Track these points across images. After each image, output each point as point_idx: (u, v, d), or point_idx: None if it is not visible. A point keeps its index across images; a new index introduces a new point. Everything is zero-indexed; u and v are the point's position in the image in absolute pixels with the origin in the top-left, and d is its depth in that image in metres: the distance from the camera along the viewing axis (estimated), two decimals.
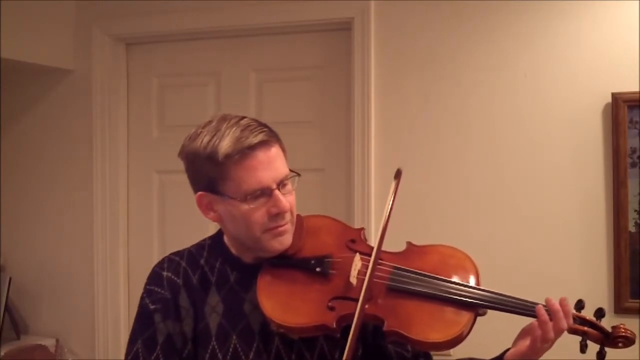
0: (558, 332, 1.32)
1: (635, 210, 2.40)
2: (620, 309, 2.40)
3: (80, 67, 3.08)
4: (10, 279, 2.99)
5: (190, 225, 2.91)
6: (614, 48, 2.42)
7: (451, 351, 2.13)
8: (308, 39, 2.87)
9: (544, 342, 1.31)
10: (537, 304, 1.34)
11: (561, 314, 1.32)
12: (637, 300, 2.39)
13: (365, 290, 1.29)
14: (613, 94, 2.40)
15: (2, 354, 2.83)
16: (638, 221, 2.40)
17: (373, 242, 1.48)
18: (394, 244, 1.47)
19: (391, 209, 1.39)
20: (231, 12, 2.87)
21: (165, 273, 1.44)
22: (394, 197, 1.40)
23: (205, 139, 1.35)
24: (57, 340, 3.08)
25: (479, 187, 2.57)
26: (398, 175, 1.44)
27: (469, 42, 2.58)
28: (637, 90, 2.38)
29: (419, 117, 2.64)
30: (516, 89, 2.54)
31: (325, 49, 2.86)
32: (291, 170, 1.42)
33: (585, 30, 2.46)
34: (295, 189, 1.44)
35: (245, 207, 1.35)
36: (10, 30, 2.77)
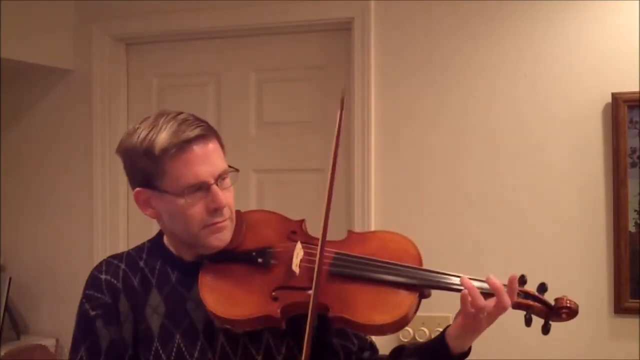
0: (500, 309, 1.30)
1: (635, 210, 2.40)
2: (620, 309, 2.40)
3: (80, 67, 3.08)
4: (10, 279, 2.99)
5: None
6: (614, 48, 2.42)
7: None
8: (308, 39, 2.87)
9: (470, 317, 1.29)
10: (479, 280, 1.33)
11: (502, 291, 1.30)
12: (637, 300, 2.39)
13: (316, 277, 1.28)
14: (613, 94, 2.40)
15: (2, 354, 2.83)
16: (638, 221, 2.40)
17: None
18: None
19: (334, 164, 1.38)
20: (231, 12, 2.87)
21: (104, 276, 1.44)
22: (337, 141, 1.37)
23: (142, 134, 1.35)
24: (57, 340, 3.08)
25: (478, 187, 2.57)
26: (342, 104, 1.39)
27: (469, 42, 2.58)
28: (637, 90, 2.38)
29: (419, 117, 2.64)
30: (516, 89, 2.54)
31: (325, 49, 2.86)
32: (230, 167, 1.40)
33: (585, 30, 2.46)
34: (234, 185, 1.42)
35: (182, 201, 1.34)
36: (10, 30, 2.77)
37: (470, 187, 2.58)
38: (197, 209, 1.34)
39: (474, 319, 1.30)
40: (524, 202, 2.52)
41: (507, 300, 1.30)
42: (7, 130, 3.23)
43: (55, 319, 3.12)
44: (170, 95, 3.08)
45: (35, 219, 3.18)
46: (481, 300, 1.29)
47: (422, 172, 2.63)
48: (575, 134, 2.47)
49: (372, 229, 2.62)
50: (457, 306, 1.35)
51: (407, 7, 2.64)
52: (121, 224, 3.10)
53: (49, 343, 3.04)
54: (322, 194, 2.91)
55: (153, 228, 3.29)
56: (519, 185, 2.53)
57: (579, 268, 2.46)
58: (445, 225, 2.59)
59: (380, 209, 2.66)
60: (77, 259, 3.09)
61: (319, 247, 1.31)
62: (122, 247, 3.10)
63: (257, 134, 2.94)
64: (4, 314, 2.95)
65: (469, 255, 2.52)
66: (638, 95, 2.37)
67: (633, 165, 2.40)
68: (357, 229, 2.63)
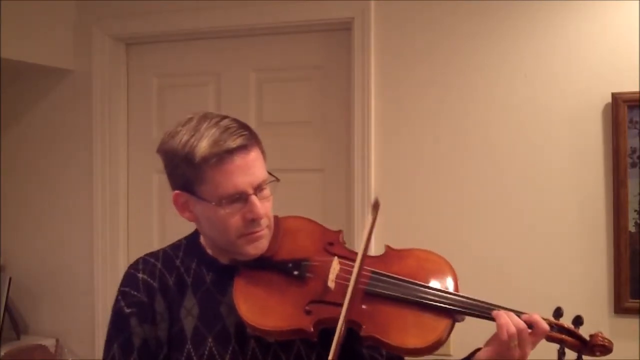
0: (531, 344, 1.30)
1: (635, 210, 2.40)
2: (620, 309, 2.40)
3: (80, 67, 3.08)
4: (10, 279, 2.99)
5: (190, 225, 2.91)
6: (614, 48, 2.42)
7: (451, 350, 2.13)
8: (308, 39, 2.87)
9: (505, 348, 1.29)
10: (514, 311, 1.33)
11: (538, 322, 1.30)
12: (637, 300, 2.39)
13: (350, 295, 1.27)
14: (613, 94, 2.40)
15: (2, 354, 2.83)
16: (638, 221, 2.40)
17: (354, 245, 1.47)
18: (389, 244, 1.48)
19: (369, 237, 1.34)
20: (231, 12, 2.87)
21: (140, 275, 1.42)
22: (371, 230, 1.34)
23: (184, 139, 1.33)
24: (57, 340, 3.08)
25: (478, 187, 2.57)
26: (376, 207, 1.36)
27: (469, 42, 2.58)
28: (637, 90, 2.38)
29: (419, 117, 2.64)
30: (516, 89, 2.54)
31: (325, 49, 2.86)
32: (270, 174, 1.40)
33: (585, 30, 2.46)
34: (273, 194, 1.41)
35: (221, 211, 1.33)
36: (10, 30, 2.77)
37: (469, 187, 2.58)
38: (234, 219, 1.34)
39: (507, 349, 1.29)
40: (524, 202, 2.52)
41: (544, 328, 1.31)
42: (7, 130, 3.23)
43: (55, 319, 3.12)
44: (170, 95, 3.08)
45: (35, 219, 3.18)
46: (513, 329, 1.29)
47: (422, 172, 2.63)
48: (575, 134, 2.47)
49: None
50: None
51: (407, 7, 2.64)
52: (121, 224, 3.10)
53: (49, 343, 3.04)
54: (322, 193, 2.93)
55: (153, 230, 3.30)
56: (519, 185, 2.53)
57: (579, 268, 2.46)
58: (445, 225, 2.59)
59: (380, 209, 2.66)
60: (77, 259, 3.09)
61: (355, 267, 1.30)
62: (122, 247, 3.10)
63: (257, 133, 2.93)
64: (4, 314, 2.95)
65: (469, 255, 2.52)
66: (638, 95, 2.37)
67: (633, 165, 2.40)
68: (357, 229, 2.64)
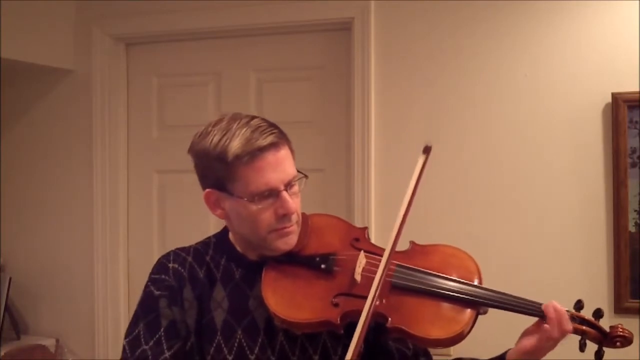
0: (563, 334, 1.33)
1: (635, 210, 2.40)
2: (620, 309, 2.40)
3: (80, 67, 3.08)
4: (10, 279, 2.99)
5: (190, 225, 2.92)
6: (614, 48, 2.42)
7: (452, 350, 2.13)
8: (308, 39, 2.87)
9: (549, 341, 1.33)
10: (539, 303, 1.36)
11: (566, 315, 1.34)
12: (637, 300, 2.39)
13: (377, 287, 1.30)
14: (613, 94, 2.40)
15: (2, 354, 2.83)
16: (638, 221, 2.40)
17: (376, 242, 1.49)
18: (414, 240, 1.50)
19: (413, 195, 1.41)
20: (231, 12, 2.87)
21: (171, 264, 1.44)
22: (418, 180, 1.41)
23: (215, 138, 1.37)
24: (57, 340, 3.08)
25: (478, 188, 2.57)
26: (427, 150, 1.44)
27: (469, 42, 2.58)
28: (637, 90, 2.38)
29: (419, 117, 2.64)
30: (516, 89, 2.54)
31: (325, 49, 2.86)
32: (299, 172, 1.44)
33: (585, 30, 2.46)
34: (301, 190, 1.45)
35: (252, 207, 1.36)
36: (10, 30, 2.77)
37: (469, 187, 2.58)
38: (266, 215, 1.37)
39: (547, 341, 1.33)
40: (524, 202, 2.53)
41: (568, 326, 1.34)
42: (7, 130, 3.23)
43: (55, 319, 3.12)
44: (170, 95, 3.08)
45: (35, 219, 3.18)
46: (569, 327, 1.33)
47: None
48: (575, 134, 2.47)
49: (372, 228, 2.62)
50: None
51: (407, 7, 2.64)
52: (121, 224, 3.10)
53: (49, 343, 3.05)
54: (322, 193, 2.93)
55: (153, 230, 3.29)
56: (519, 186, 2.53)
57: (579, 268, 2.46)
58: (444, 226, 2.59)
59: (380, 209, 2.66)
60: (77, 259, 3.09)
61: (383, 259, 1.33)
62: (122, 247, 3.10)
63: None
64: (4, 314, 2.95)
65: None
66: (638, 95, 2.37)
67: (633, 165, 2.40)
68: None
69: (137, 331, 1.39)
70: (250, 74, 2.96)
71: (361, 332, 1.26)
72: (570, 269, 2.46)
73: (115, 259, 3.07)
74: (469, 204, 2.58)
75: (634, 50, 2.39)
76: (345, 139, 2.79)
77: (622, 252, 2.40)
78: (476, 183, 2.58)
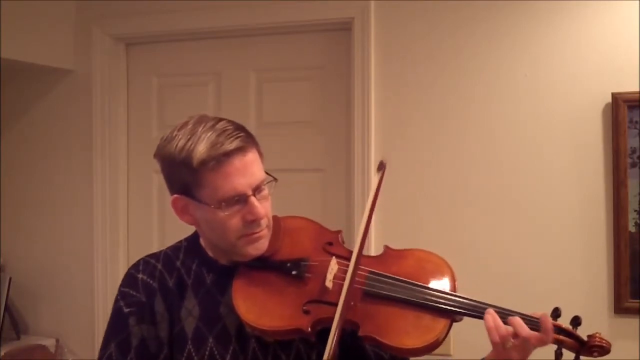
0: (535, 344, 1.30)
1: (635, 210, 2.40)
2: (620, 309, 2.40)
3: (80, 67, 3.08)
4: (10, 279, 2.99)
5: (190, 225, 2.91)
6: (614, 48, 2.42)
7: (451, 350, 2.13)
8: (308, 39, 2.87)
9: (502, 350, 1.29)
10: (512, 312, 1.32)
11: (547, 324, 1.30)
12: (637, 300, 2.39)
13: (346, 295, 1.28)
14: (613, 94, 2.40)
15: (2, 354, 2.83)
16: (638, 221, 2.40)
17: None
18: (389, 244, 1.48)
19: (372, 209, 1.36)
20: (231, 12, 2.87)
21: (140, 276, 1.43)
22: (376, 195, 1.37)
23: (181, 143, 1.33)
24: (57, 340, 3.08)
25: (478, 188, 2.57)
26: (382, 167, 1.39)
27: (469, 43, 2.58)
28: (637, 90, 2.38)
29: (419, 117, 2.64)
30: (516, 89, 2.54)
31: (325, 49, 2.86)
32: (268, 174, 1.40)
33: (585, 30, 2.46)
34: (271, 194, 1.42)
35: (220, 213, 1.34)
36: (10, 30, 2.77)
37: (469, 187, 2.58)
38: (234, 221, 1.34)
39: (503, 350, 1.29)
40: (524, 202, 2.52)
41: (549, 337, 1.30)
42: (7, 130, 3.23)
43: (55, 319, 3.12)
44: (170, 95, 3.08)
45: (35, 219, 3.18)
46: (503, 330, 1.29)
47: (422, 172, 2.63)
48: (575, 134, 2.47)
49: (372, 228, 2.61)
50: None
51: (407, 7, 2.64)
52: (121, 224, 3.10)
53: (49, 343, 3.04)
54: (322, 193, 2.93)
55: (153, 230, 3.30)
56: (519, 186, 2.53)
57: (579, 268, 2.46)
58: (444, 226, 2.59)
59: (380, 209, 2.66)
60: (77, 259, 3.09)
61: (350, 266, 1.31)
62: (122, 247, 3.10)
63: (257, 134, 2.87)
64: (4, 314, 2.95)
65: (469, 256, 2.52)
66: (638, 95, 2.37)
67: (633, 165, 2.40)
68: (357, 229, 2.63)
69: (109, 352, 1.38)
70: (250, 74, 2.96)
71: (334, 342, 1.24)
72: (570, 269, 2.46)
73: (115, 259, 3.07)
74: (469, 203, 2.58)
75: (634, 50, 2.39)
76: (345, 139, 2.79)
77: (622, 252, 2.40)
78: (476, 183, 2.57)
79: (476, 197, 2.57)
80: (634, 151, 2.39)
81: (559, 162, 2.49)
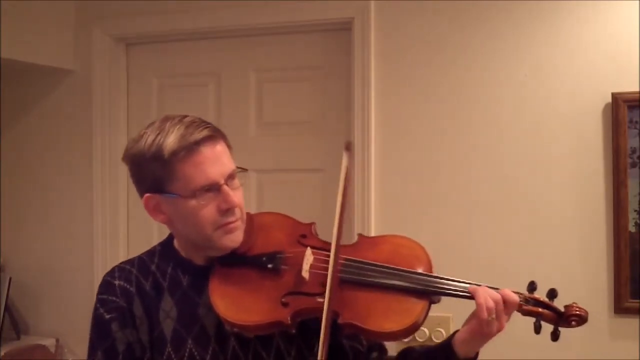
0: (506, 315, 1.33)
1: (635, 210, 2.40)
2: (620, 309, 2.40)
3: (81, 67, 3.08)
4: (10, 279, 2.99)
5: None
6: (614, 48, 2.42)
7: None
8: (308, 39, 2.87)
9: (486, 324, 1.31)
10: (496, 288, 1.35)
11: (508, 294, 1.33)
12: (637, 300, 2.39)
13: (330, 284, 1.28)
14: (613, 94, 2.40)
15: (2, 354, 2.83)
16: (638, 221, 2.40)
17: (350, 239, 1.47)
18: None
19: (345, 192, 1.38)
20: (231, 12, 2.87)
21: (117, 282, 1.42)
22: (346, 183, 1.37)
23: (150, 139, 1.35)
24: (57, 340, 3.08)
25: (478, 187, 2.57)
26: (348, 147, 1.40)
27: (469, 43, 2.58)
28: (637, 90, 2.38)
29: (419, 117, 2.64)
30: (516, 89, 2.54)
31: (325, 49, 2.86)
32: (237, 167, 1.40)
33: (586, 31, 2.46)
34: (243, 185, 1.42)
35: (193, 203, 1.34)
36: (10, 30, 2.77)
37: (470, 187, 2.58)
38: (208, 210, 1.34)
39: (487, 324, 1.30)
40: (524, 202, 2.52)
41: (514, 299, 1.33)
42: (7, 130, 3.23)
43: (55, 319, 3.12)
44: (170, 95, 3.08)
45: (36, 219, 3.18)
46: (491, 303, 1.30)
47: (422, 172, 2.63)
48: (575, 134, 2.47)
49: (372, 229, 2.62)
50: (458, 307, 1.35)
51: (407, 7, 2.64)
52: (121, 224, 3.10)
53: (49, 343, 3.04)
54: (322, 193, 2.93)
55: (153, 229, 3.30)
56: (519, 186, 2.53)
57: (579, 268, 2.46)
58: (444, 226, 2.59)
59: (380, 209, 2.66)
60: (77, 259, 3.09)
61: (331, 256, 1.31)
62: (122, 247, 3.10)
63: (257, 134, 2.94)
64: (4, 314, 2.95)
65: (468, 255, 2.52)
66: (638, 95, 2.37)
67: (633, 165, 2.40)
68: (357, 229, 2.63)
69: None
70: (250, 74, 2.96)
71: (324, 331, 1.24)
72: (570, 269, 2.46)
73: (115, 259, 3.06)
74: (469, 204, 2.58)
75: (634, 50, 2.39)
76: (345, 139, 2.79)
77: (622, 252, 2.40)
78: (476, 183, 2.57)
79: (476, 197, 2.57)
80: (634, 151, 2.40)
81: (559, 162, 2.49)
